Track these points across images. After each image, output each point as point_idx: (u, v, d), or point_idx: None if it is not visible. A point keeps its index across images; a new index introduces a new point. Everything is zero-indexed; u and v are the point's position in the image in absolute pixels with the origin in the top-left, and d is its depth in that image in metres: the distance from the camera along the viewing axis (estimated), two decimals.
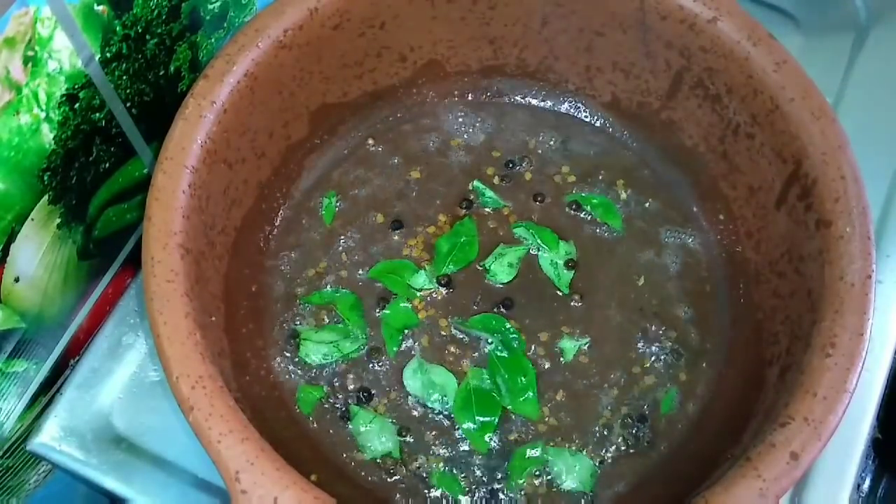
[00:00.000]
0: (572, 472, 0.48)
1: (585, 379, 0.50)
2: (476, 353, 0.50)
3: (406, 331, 0.51)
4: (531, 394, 0.49)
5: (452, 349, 0.51)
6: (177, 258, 0.42)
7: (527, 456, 0.48)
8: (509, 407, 0.49)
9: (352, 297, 0.52)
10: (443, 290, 0.52)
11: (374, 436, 0.48)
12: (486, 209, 0.55)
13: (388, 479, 0.48)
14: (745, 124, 0.49)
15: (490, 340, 0.50)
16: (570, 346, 0.51)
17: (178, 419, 0.46)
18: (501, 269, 0.53)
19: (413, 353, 0.50)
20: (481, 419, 0.48)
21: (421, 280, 0.52)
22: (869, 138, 0.51)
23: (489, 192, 0.55)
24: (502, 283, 0.53)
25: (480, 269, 0.53)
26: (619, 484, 0.48)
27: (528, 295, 0.52)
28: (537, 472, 0.48)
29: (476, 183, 0.55)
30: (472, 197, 0.55)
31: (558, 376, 0.50)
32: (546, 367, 0.50)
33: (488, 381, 0.49)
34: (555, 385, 0.50)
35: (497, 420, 0.48)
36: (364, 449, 0.48)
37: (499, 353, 0.50)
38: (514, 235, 0.54)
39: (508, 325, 0.51)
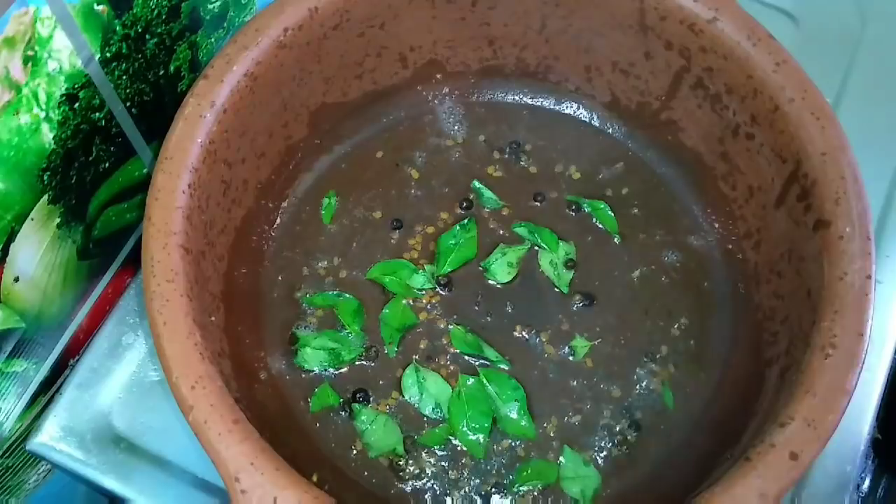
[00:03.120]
0: (577, 480, 0.48)
1: (586, 379, 0.50)
2: (473, 359, 0.50)
3: (405, 331, 0.51)
4: (524, 414, 0.49)
5: (452, 350, 0.51)
6: (177, 258, 0.42)
7: (531, 462, 0.48)
8: (503, 418, 0.49)
9: (354, 302, 0.51)
10: (442, 291, 0.52)
11: (379, 433, 0.48)
12: (486, 209, 0.55)
13: (389, 479, 0.48)
14: (745, 124, 0.49)
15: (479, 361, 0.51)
16: (570, 346, 0.51)
17: (178, 419, 0.46)
18: (501, 269, 0.53)
19: (412, 354, 0.51)
20: (475, 425, 0.48)
21: (420, 280, 0.52)
22: (869, 138, 0.51)
23: (489, 192, 0.55)
24: (502, 283, 0.53)
25: (480, 269, 0.53)
26: (620, 484, 0.48)
27: (527, 295, 0.52)
28: (540, 477, 0.48)
29: (476, 183, 0.55)
30: (471, 197, 0.55)
31: (558, 377, 0.50)
32: (546, 367, 0.50)
33: (481, 388, 0.49)
34: (554, 386, 0.50)
35: (490, 426, 0.48)
36: (369, 446, 0.48)
37: (489, 371, 0.50)
38: (513, 235, 0.54)
39: (493, 352, 0.50)
